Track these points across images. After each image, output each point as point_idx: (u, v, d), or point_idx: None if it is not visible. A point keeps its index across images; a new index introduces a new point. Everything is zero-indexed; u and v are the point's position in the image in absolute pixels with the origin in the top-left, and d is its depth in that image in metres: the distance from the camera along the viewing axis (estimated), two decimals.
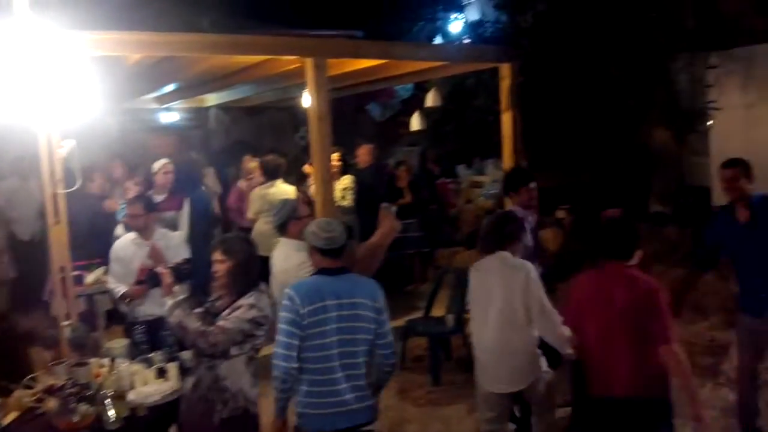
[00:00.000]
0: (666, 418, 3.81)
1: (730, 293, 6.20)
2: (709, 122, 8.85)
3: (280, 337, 3.65)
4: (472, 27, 10.05)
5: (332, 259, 3.83)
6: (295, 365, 3.64)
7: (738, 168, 4.89)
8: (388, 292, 9.03)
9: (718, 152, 8.94)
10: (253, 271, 3.89)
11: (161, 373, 4.43)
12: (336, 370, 3.70)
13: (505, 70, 7.90)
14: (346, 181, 8.40)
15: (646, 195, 9.55)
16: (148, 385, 4.33)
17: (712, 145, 9.02)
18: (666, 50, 8.71)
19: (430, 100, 9.48)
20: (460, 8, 10.87)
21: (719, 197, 8.95)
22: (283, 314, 3.68)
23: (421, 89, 10.41)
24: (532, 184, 5.50)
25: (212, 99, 10.45)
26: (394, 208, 4.53)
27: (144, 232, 5.60)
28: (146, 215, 5.65)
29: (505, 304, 4.41)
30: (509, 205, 5.99)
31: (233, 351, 3.71)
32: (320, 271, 3.84)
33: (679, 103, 8.63)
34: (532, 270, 4.43)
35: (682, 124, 8.69)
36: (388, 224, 4.44)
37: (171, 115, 11.07)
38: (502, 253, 4.54)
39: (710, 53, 8.84)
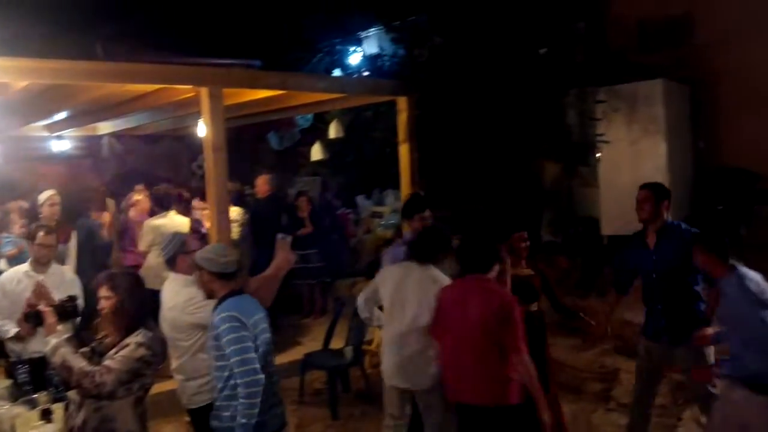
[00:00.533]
0: (517, 425, 3.97)
1: (618, 320, 6.41)
2: (598, 155, 9.18)
3: (245, 356, 3.66)
4: (370, 60, 10.17)
5: (231, 282, 3.87)
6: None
7: (649, 191, 4.97)
8: (287, 324, 9.00)
9: (606, 184, 9.31)
10: (141, 307, 3.76)
11: (46, 415, 4.23)
12: (271, 377, 3.84)
13: (402, 103, 8.02)
14: (233, 213, 8.18)
15: (538, 225, 9.82)
16: (31, 428, 4.12)
17: (600, 176, 9.37)
18: (558, 85, 9.03)
19: (333, 131, 9.51)
20: (359, 41, 11.01)
21: (607, 227, 9.37)
22: (236, 335, 3.67)
23: (321, 120, 10.44)
24: (427, 212, 5.58)
25: (105, 127, 10.15)
26: (289, 239, 4.49)
27: (43, 265, 5.37)
28: (57, 247, 5.43)
29: (419, 310, 4.54)
30: (406, 231, 6.07)
31: (120, 392, 3.56)
32: (231, 294, 3.85)
33: (569, 137, 8.93)
34: None
35: (572, 157, 9.00)
36: (282, 256, 4.40)
37: (62, 143, 10.69)
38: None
39: (598, 89, 9.20)
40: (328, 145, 10.16)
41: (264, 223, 8.46)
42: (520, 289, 5.28)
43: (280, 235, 4.49)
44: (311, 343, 7.75)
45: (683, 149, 9.61)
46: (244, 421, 3.64)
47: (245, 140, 11.59)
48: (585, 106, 9.01)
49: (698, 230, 4.82)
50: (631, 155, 9.32)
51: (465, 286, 4.18)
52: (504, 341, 3.89)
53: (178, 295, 4.32)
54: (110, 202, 8.94)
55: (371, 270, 9.66)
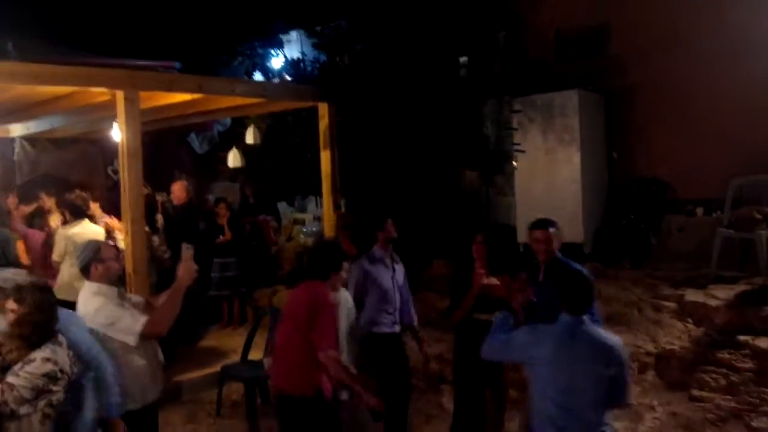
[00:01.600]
0: (318, 413, 4.25)
1: None
2: (514, 164, 9.33)
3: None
4: (291, 64, 10.10)
5: None
6: None
7: (548, 230, 4.84)
8: (204, 335, 8.81)
9: (522, 192, 9.48)
10: (49, 321, 3.62)
11: None
12: None
13: (324, 109, 7.99)
14: None
15: (457, 231, 9.92)
16: None
17: (516, 185, 9.52)
18: (476, 94, 9.15)
19: (250, 136, 9.40)
20: (281, 45, 10.92)
21: (523, 235, 9.51)
22: None
23: (240, 124, 10.30)
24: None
25: (17, 129, 9.81)
26: (191, 250, 4.35)
27: None
28: None
29: None
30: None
31: (24, 409, 3.42)
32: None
33: (487, 145, 9.05)
34: None
35: (489, 166, 9.12)
36: (184, 267, 4.29)
37: None
38: None
39: (515, 99, 9.36)
40: (247, 150, 10.03)
41: (180, 230, 8.28)
42: (483, 299, 5.37)
43: (184, 245, 4.37)
44: (230, 355, 7.62)
45: (597, 159, 9.87)
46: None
47: (164, 144, 11.34)
48: (502, 116, 9.14)
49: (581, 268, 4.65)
50: (547, 164, 9.53)
51: (301, 289, 4.49)
52: (313, 338, 4.16)
53: (87, 304, 4.18)
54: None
55: (292, 278, 9.58)
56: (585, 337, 3.66)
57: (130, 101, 6.32)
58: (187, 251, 4.31)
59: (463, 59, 10.04)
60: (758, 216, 7.60)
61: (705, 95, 8.99)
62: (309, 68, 9.94)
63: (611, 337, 3.77)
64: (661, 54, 9.32)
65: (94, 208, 7.67)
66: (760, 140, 8.51)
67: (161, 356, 4.39)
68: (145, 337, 4.05)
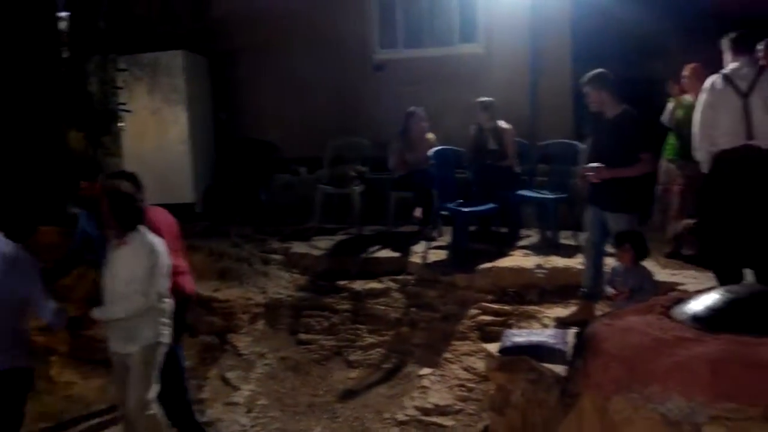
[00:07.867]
0: None
1: None
2: (121, 124, 9.04)
3: None
4: None
5: None
6: None
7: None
8: None
9: (130, 153, 9.23)
10: None
11: None
12: None
13: None
14: None
15: (66, 195, 9.35)
16: None
17: (124, 145, 9.23)
18: (79, 51, 8.66)
19: None
20: None
21: None
22: None
23: None
24: None
25: None
26: None
27: None
28: None
29: None
30: None
31: None
32: None
33: (91, 105, 8.64)
34: None
35: (95, 125, 8.72)
36: None
37: None
38: None
39: (120, 57, 9.04)
40: None
41: None
42: None
43: None
44: None
45: (204, 120, 9.97)
46: None
47: None
48: (107, 75, 8.79)
49: None
50: (154, 124, 9.44)
51: None
52: None
53: None
54: None
55: None
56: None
57: None
58: None
59: (64, 14, 9.39)
60: (352, 173, 8.42)
61: (302, 61, 9.48)
62: None
63: None
64: (262, 19, 9.63)
65: None
66: (353, 103, 9.29)
67: None
68: None
